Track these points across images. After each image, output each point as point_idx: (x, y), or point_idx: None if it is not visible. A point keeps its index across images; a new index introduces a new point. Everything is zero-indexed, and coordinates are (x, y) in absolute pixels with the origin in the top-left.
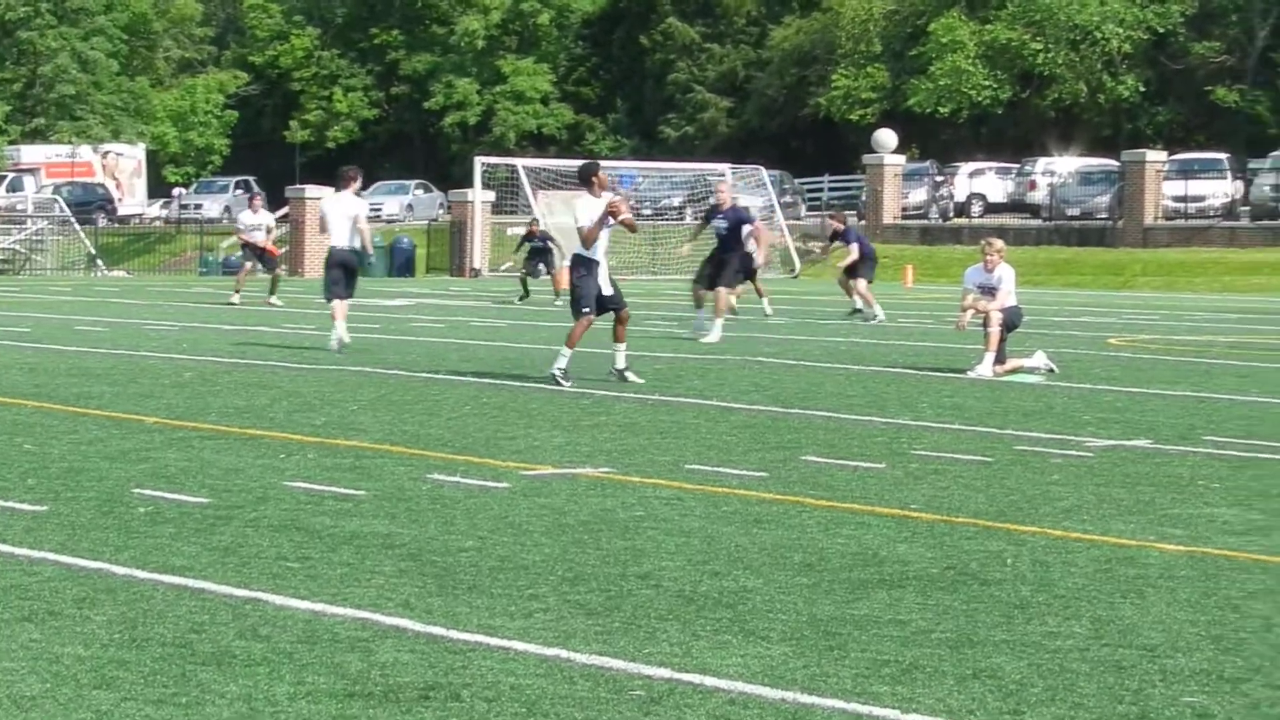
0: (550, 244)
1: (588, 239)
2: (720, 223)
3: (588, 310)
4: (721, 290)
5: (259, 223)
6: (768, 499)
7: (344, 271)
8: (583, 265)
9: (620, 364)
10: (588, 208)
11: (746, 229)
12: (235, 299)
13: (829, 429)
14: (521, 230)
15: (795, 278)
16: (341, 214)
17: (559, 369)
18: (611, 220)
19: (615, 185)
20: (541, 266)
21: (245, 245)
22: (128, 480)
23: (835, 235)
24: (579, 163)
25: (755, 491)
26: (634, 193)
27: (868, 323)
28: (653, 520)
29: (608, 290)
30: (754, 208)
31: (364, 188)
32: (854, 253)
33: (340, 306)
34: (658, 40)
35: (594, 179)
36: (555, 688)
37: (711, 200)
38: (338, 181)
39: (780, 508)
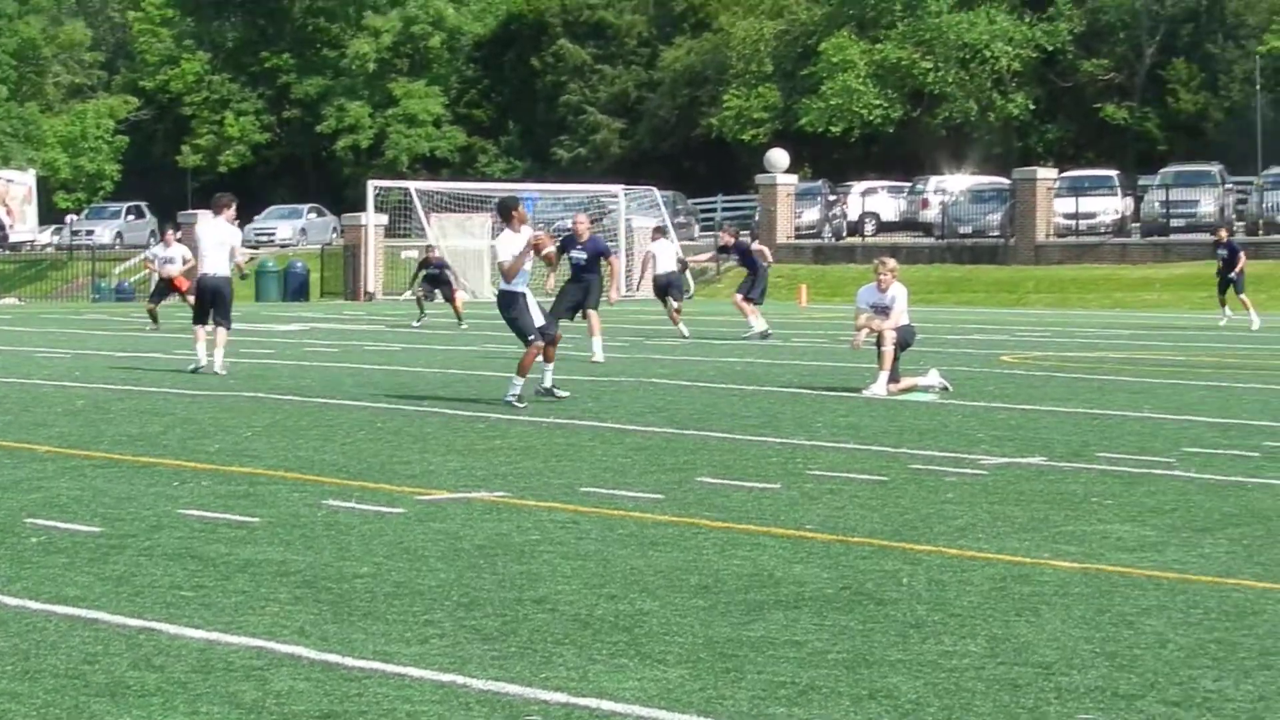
0: (446, 271)
1: (510, 273)
2: (579, 254)
3: (533, 338)
4: (592, 312)
5: (172, 255)
6: (663, 521)
7: (215, 299)
8: (510, 299)
9: (547, 383)
10: (508, 243)
11: (603, 264)
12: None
13: (724, 450)
14: (415, 254)
15: (690, 298)
16: (216, 241)
17: (513, 395)
18: (534, 254)
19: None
20: (437, 292)
21: (160, 279)
22: (19, 510)
23: (724, 248)
24: (472, 185)
25: (651, 514)
26: (532, 216)
27: (764, 340)
28: (548, 544)
29: (539, 320)
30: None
31: (257, 211)
32: (767, 254)
33: (201, 332)
34: (549, 62)
35: (514, 214)
36: (451, 714)
37: (567, 230)
38: (212, 207)
39: (676, 530)
